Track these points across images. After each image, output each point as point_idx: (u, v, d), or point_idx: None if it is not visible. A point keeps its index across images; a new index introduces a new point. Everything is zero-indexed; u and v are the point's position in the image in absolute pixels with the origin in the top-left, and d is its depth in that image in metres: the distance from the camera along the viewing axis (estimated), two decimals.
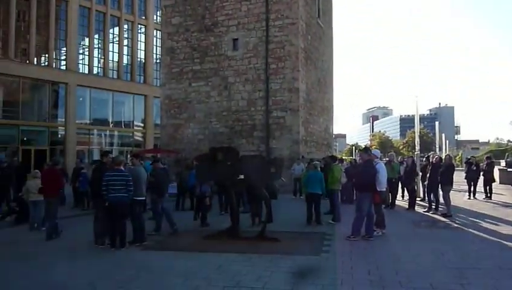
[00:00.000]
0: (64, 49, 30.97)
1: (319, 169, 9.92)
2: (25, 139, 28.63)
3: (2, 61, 27.51)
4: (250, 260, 6.32)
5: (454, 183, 10.99)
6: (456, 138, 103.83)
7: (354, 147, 57.07)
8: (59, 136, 30.70)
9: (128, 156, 28.66)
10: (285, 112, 18.18)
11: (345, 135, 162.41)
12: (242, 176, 7.73)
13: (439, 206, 11.08)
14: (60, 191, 9.07)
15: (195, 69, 20.07)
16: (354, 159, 16.63)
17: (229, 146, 10.17)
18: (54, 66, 30.46)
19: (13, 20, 28.51)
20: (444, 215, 10.20)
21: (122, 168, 7.38)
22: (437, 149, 27.41)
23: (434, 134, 32.05)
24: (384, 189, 8.17)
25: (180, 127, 20.28)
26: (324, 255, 6.67)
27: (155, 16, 35.66)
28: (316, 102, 20.69)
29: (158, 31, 32.50)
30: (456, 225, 9.22)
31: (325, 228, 9.10)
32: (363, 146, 14.58)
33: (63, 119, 30.45)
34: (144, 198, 7.83)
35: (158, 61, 32.58)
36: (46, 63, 30.38)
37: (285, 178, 12.77)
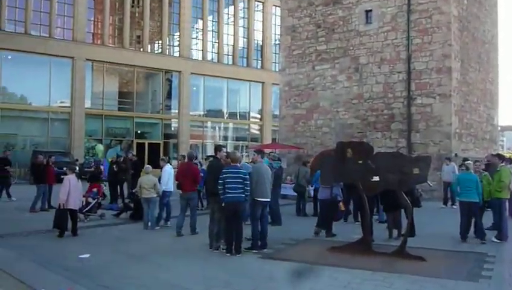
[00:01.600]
0: (178, 34, 33.24)
1: (472, 170, 9.43)
2: (138, 132, 31.48)
3: (117, 50, 30.56)
4: (386, 280, 6.14)
5: None
6: None
7: None
8: (172, 129, 32.98)
9: (244, 151, 32.00)
10: (433, 98, 17.55)
11: None
12: (377, 178, 7.60)
13: None
14: (198, 187, 10.06)
15: (319, 49, 20.18)
16: None
17: (360, 141, 10.04)
18: (167, 53, 32.83)
19: (128, 6, 31.44)
20: None
21: (238, 165, 7.66)
22: None
23: None
24: None
25: (301, 118, 20.55)
26: (484, 281, 6.26)
27: None
28: (474, 84, 19.68)
29: (277, 8, 33.03)
30: None
31: (487, 247, 8.61)
32: None
33: (176, 111, 32.70)
34: (267, 199, 8.00)
35: (277, 42, 33.10)
36: (160, 50, 32.85)
37: (433, 182, 12.37)
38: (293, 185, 13.96)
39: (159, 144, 31.28)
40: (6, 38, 26.70)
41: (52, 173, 13.57)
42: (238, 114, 36.16)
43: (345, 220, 11.40)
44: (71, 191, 9.07)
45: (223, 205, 7.44)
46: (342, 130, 18.94)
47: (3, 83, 27.27)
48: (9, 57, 27.37)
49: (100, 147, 25.37)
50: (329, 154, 9.10)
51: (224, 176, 7.38)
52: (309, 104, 20.29)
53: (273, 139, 30.50)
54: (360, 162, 7.72)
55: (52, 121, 28.79)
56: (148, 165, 10.95)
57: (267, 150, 16.81)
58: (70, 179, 9.16)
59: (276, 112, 25.95)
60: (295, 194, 13.57)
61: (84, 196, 11.08)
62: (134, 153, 19.77)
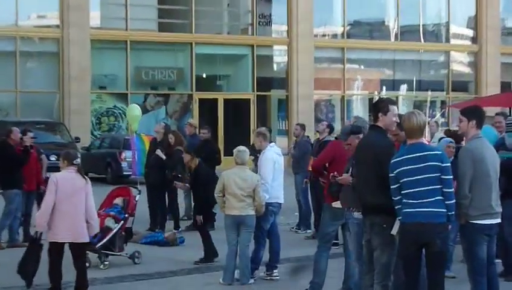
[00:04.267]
0: None
1: None
2: (203, 76, 30.03)
3: None
4: None
5: None
6: None
7: None
8: (275, 67, 32.23)
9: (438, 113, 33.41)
10: None
11: None
12: None
13: None
14: None
15: None
16: None
17: None
18: None
19: None
20: None
21: (424, 140, 7.25)
22: None
23: None
24: None
25: None
26: None
27: None
28: None
29: None
30: None
31: None
32: None
33: (284, 28, 30.58)
34: (496, 221, 7.32)
35: None
36: None
37: None
38: None
39: (249, 100, 28.97)
40: None
41: (36, 165, 12.95)
42: (421, 33, 32.41)
43: None
44: (62, 204, 8.24)
45: (395, 230, 6.42)
46: None
47: None
48: None
49: (135, 110, 19.69)
50: None
51: (399, 169, 6.33)
52: None
53: (505, 86, 30.71)
54: None
55: (25, 56, 26.76)
56: (241, 147, 9.87)
57: (488, 112, 13.55)
58: (63, 179, 8.37)
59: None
60: None
61: (99, 215, 10.14)
62: (195, 121, 20.64)
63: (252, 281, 9.50)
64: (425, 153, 6.42)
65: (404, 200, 6.34)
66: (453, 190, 6.38)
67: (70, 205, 8.54)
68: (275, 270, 9.33)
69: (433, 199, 6.30)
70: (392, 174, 6.37)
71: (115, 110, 26.96)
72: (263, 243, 9.43)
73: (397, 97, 30.39)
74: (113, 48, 28.40)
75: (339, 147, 8.57)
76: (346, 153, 8.10)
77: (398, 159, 6.41)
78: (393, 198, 6.43)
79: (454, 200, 6.37)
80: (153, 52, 29.31)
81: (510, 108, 18.12)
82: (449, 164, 6.42)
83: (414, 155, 6.35)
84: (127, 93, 27.32)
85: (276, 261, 9.35)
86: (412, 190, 6.33)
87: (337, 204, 8.18)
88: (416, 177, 6.35)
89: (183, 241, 12.34)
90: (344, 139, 8.05)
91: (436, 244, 6.26)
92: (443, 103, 33.00)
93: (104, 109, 27.38)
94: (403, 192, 6.33)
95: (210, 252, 10.77)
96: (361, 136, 7.84)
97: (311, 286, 8.20)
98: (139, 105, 26.56)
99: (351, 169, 7.54)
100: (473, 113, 7.20)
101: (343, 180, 7.60)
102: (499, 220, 7.05)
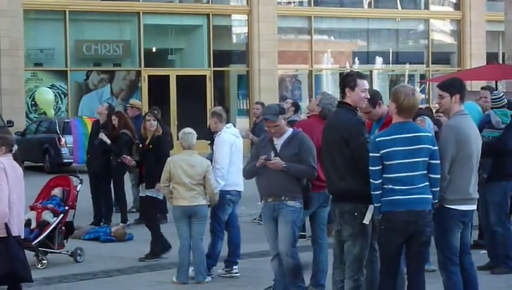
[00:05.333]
0: None
1: None
2: (153, 49, 30.50)
3: None
4: None
5: None
6: None
7: None
8: (234, 39, 32.27)
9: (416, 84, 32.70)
10: None
11: None
12: None
13: None
14: None
15: None
16: None
17: None
18: None
19: None
20: None
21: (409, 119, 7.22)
22: None
23: None
24: None
25: None
26: None
27: None
28: None
29: None
30: None
31: None
32: None
33: None
34: (472, 207, 7.70)
35: None
36: None
37: None
38: None
39: (204, 77, 29.20)
40: None
41: None
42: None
43: None
44: (11, 194, 8.11)
45: (368, 219, 6.57)
46: None
47: None
48: None
49: (46, 94, 19.53)
50: None
51: (389, 149, 6.34)
52: None
53: (491, 57, 31.34)
54: None
55: None
56: (188, 128, 9.97)
57: (473, 87, 17.75)
58: (8, 165, 8.11)
59: None
60: None
61: (32, 208, 10.87)
62: (138, 101, 18.81)
63: (209, 278, 9.43)
64: (419, 134, 6.49)
65: (389, 186, 6.35)
66: (439, 176, 6.46)
67: (15, 195, 8.51)
68: (234, 267, 9.28)
69: (423, 185, 6.37)
70: (377, 154, 6.33)
71: (53, 90, 25.52)
72: (221, 236, 9.37)
73: (371, 71, 30.86)
74: (50, 18, 28.07)
75: (307, 128, 8.57)
76: (315, 134, 8.02)
77: (388, 137, 6.39)
78: (372, 181, 6.40)
79: (438, 188, 6.48)
80: (95, 24, 29.19)
81: (496, 82, 18.20)
82: (437, 148, 6.53)
83: (407, 135, 6.38)
84: (66, 71, 27.03)
85: (236, 257, 9.31)
86: (402, 174, 6.37)
87: None
88: (408, 160, 6.38)
89: (131, 237, 12.34)
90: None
91: (425, 234, 6.34)
92: (423, 77, 33.18)
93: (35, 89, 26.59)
94: (387, 176, 6.33)
95: (157, 247, 10.78)
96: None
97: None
98: (80, 83, 26.68)
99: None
100: (454, 86, 7.25)
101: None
102: (474, 207, 7.15)
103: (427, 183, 6.35)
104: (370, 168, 6.39)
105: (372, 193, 6.40)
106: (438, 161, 6.42)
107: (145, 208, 11.30)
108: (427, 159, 6.36)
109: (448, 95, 6.93)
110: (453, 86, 7.10)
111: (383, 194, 6.37)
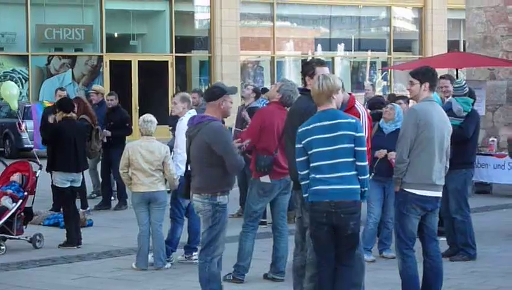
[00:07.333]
0: None
1: None
2: (115, 35, 30.48)
3: None
4: None
5: None
6: None
7: None
8: (196, 25, 32.07)
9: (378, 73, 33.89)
10: None
11: None
12: None
13: None
14: None
15: None
16: None
17: None
18: None
19: None
20: None
21: (333, 106, 6.95)
22: None
23: None
24: None
25: None
26: None
27: None
28: None
29: None
30: None
31: None
32: None
33: None
34: (439, 194, 7.74)
35: None
36: None
37: None
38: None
39: (166, 62, 29.37)
40: None
41: None
42: None
43: None
44: None
45: (308, 208, 6.58)
46: None
47: None
48: None
49: (11, 89, 17.77)
50: None
51: (308, 139, 6.39)
52: None
53: (452, 45, 31.89)
54: None
55: None
56: (148, 116, 9.97)
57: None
58: None
59: None
60: None
61: None
62: (101, 87, 19.33)
63: (168, 265, 9.47)
64: (338, 121, 6.36)
65: (313, 175, 6.31)
66: (366, 163, 6.42)
67: None
68: (194, 253, 9.24)
69: (345, 173, 6.30)
70: (300, 145, 6.32)
71: (14, 75, 26.47)
72: (181, 222, 9.41)
73: (333, 58, 30.86)
74: (11, 3, 27.95)
75: (267, 115, 8.58)
76: (277, 121, 8.06)
77: (307, 127, 6.35)
78: (299, 172, 6.43)
79: (368, 175, 6.43)
80: (56, 8, 29.12)
81: (457, 69, 18.40)
82: (363, 134, 6.44)
83: (325, 123, 6.30)
84: (27, 55, 26.93)
85: (195, 243, 9.24)
86: (322, 163, 6.31)
87: (265, 179, 8.18)
88: (327, 148, 6.32)
89: (91, 223, 12.30)
90: None
91: (348, 227, 6.28)
92: (384, 64, 33.47)
93: (1, 73, 26.80)
94: (311, 165, 6.31)
95: (71, 236, 10.85)
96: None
97: (236, 270, 8.23)
98: (41, 68, 26.55)
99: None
100: (425, 74, 7.35)
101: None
102: (438, 194, 7.16)
103: (352, 172, 6.28)
104: (295, 159, 6.44)
105: (300, 183, 6.46)
106: (364, 148, 6.35)
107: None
108: (349, 145, 6.26)
109: (418, 82, 7.04)
110: (425, 74, 7.21)
111: (310, 185, 6.36)
